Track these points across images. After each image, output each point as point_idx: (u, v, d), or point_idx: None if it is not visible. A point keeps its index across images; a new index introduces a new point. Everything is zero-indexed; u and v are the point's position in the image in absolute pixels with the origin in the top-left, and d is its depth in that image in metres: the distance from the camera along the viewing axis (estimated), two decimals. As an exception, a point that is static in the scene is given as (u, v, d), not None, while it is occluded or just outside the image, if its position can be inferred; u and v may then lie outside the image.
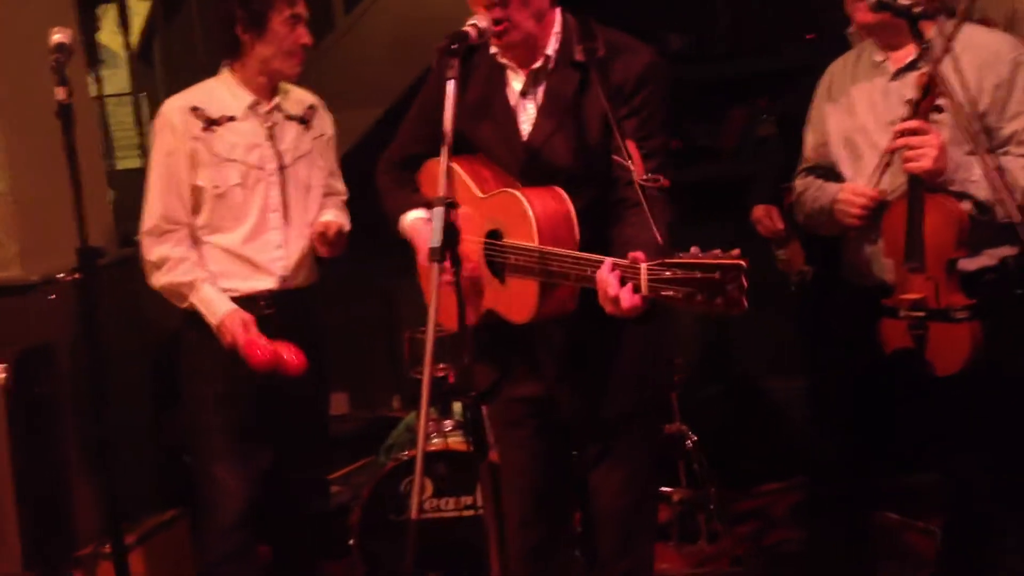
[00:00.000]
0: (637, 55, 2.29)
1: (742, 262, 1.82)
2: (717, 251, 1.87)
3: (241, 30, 2.91)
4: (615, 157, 2.21)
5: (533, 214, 2.19)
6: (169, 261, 2.92)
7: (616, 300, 1.98)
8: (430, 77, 2.47)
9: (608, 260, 2.02)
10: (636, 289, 1.96)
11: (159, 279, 2.94)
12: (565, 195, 2.23)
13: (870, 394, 2.73)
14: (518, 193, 2.23)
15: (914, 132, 2.43)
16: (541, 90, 2.32)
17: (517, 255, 2.22)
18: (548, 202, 2.22)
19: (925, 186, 2.46)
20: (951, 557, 2.88)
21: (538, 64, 2.31)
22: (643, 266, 1.94)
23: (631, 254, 1.98)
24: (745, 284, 1.82)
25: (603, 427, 2.45)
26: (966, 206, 2.47)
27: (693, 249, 1.89)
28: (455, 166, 2.40)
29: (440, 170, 2.03)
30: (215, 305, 2.90)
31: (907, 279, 2.50)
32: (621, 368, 2.41)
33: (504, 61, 2.34)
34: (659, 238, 1.98)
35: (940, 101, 2.40)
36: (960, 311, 2.45)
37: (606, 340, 2.34)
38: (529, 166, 2.31)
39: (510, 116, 2.34)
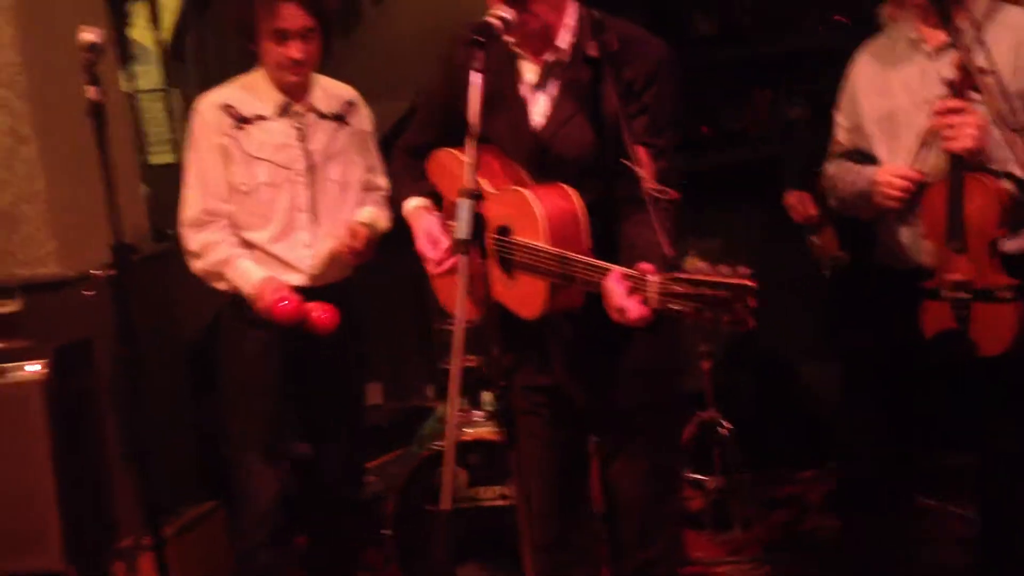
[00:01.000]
0: (649, 49, 2.28)
1: (751, 283, 1.82)
2: (725, 267, 1.86)
3: (244, 40, 2.93)
4: (622, 160, 2.19)
5: (541, 214, 2.18)
6: (209, 245, 2.96)
7: (623, 310, 1.98)
8: (441, 65, 2.46)
9: (617, 270, 2.02)
10: (644, 301, 1.96)
11: (198, 264, 2.99)
12: (573, 193, 2.23)
13: (908, 377, 2.71)
14: (526, 192, 2.22)
15: (953, 111, 2.41)
16: (555, 84, 2.31)
17: (525, 253, 2.22)
18: (556, 201, 2.21)
19: (965, 165, 2.43)
20: (991, 541, 2.85)
21: (552, 58, 2.30)
22: (652, 279, 1.94)
23: (640, 265, 1.98)
24: (753, 304, 1.82)
25: (618, 419, 2.44)
26: (1006, 184, 2.45)
27: (701, 264, 1.89)
28: (464, 157, 2.41)
29: (466, 162, 2.03)
30: (250, 274, 2.93)
31: (948, 260, 2.49)
32: (634, 360, 2.39)
33: (518, 51, 2.33)
34: (668, 249, 1.97)
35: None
36: (1004, 291, 2.43)
37: (616, 333, 2.33)
38: (539, 159, 2.31)
39: (522, 108, 2.33)
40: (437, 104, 2.49)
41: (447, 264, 2.35)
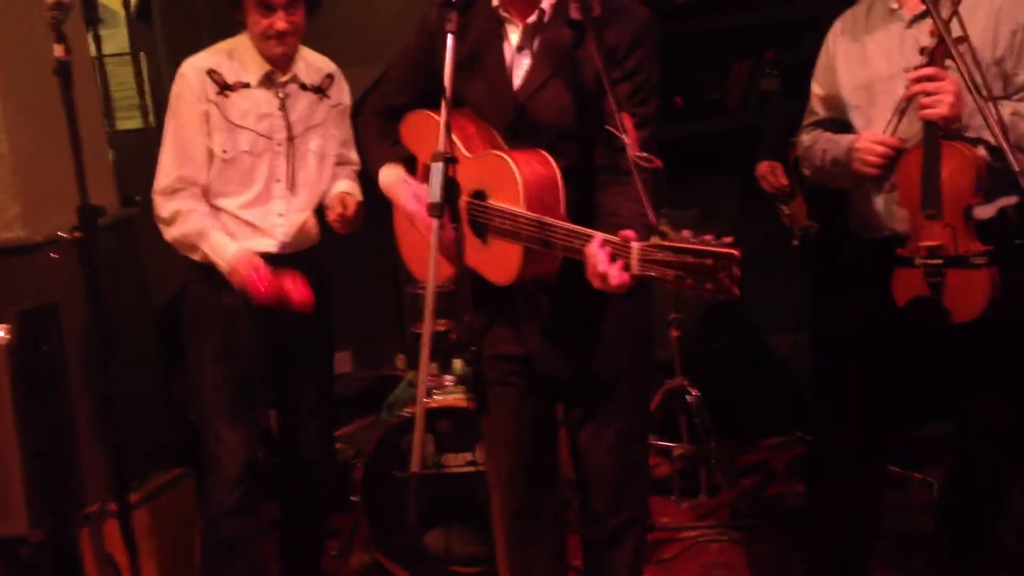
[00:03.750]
0: (633, 16, 2.28)
1: (736, 252, 1.82)
2: (710, 236, 1.86)
3: (228, 8, 2.91)
4: (607, 126, 2.19)
5: (520, 178, 2.17)
6: (180, 214, 2.93)
7: (605, 276, 1.98)
8: (420, 25, 2.44)
9: (598, 236, 2.01)
10: (626, 267, 1.96)
11: (171, 232, 2.96)
12: (551, 159, 2.22)
13: (880, 346, 2.73)
14: (506, 156, 2.21)
15: (930, 79, 2.42)
16: (536, 44, 2.30)
17: (502, 218, 2.21)
18: (535, 167, 2.20)
19: (941, 133, 2.44)
20: (951, 506, 2.89)
21: (534, 18, 2.29)
22: (635, 245, 1.94)
23: (622, 232, 1.97)
24: (738, 273, 1.82)
25: (589, 388, 2.45)
26: (981, 151, 2.47)
27: (685, 232, 1.89)
28: (439, 120, 2.39)
29: (440, 125, 2.02)
30: (224, 248, 2.91)
31: (923, 227, 2.50)
32: (605, 330, 2.40)
33: (504, 14, 2.31)
34: (651, 216, 1.97)
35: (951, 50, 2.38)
36: (978, 256, 2.45)
37: (589, 303, 2.34)
38: (517, 121, 2.29)
39: (503, 71, 2.32)
40: (414, 66, 2.47)
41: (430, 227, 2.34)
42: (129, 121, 5.26)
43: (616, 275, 1.97)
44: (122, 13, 5.13)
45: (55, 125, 2.66)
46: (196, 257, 2.96)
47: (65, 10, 2.59)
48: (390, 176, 2.48)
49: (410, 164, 2.52)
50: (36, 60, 2.97)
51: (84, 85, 3.26)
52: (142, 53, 5.12)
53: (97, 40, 4.57)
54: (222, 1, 2.92)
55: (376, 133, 2.57)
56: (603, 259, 1.98)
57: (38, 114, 3.23)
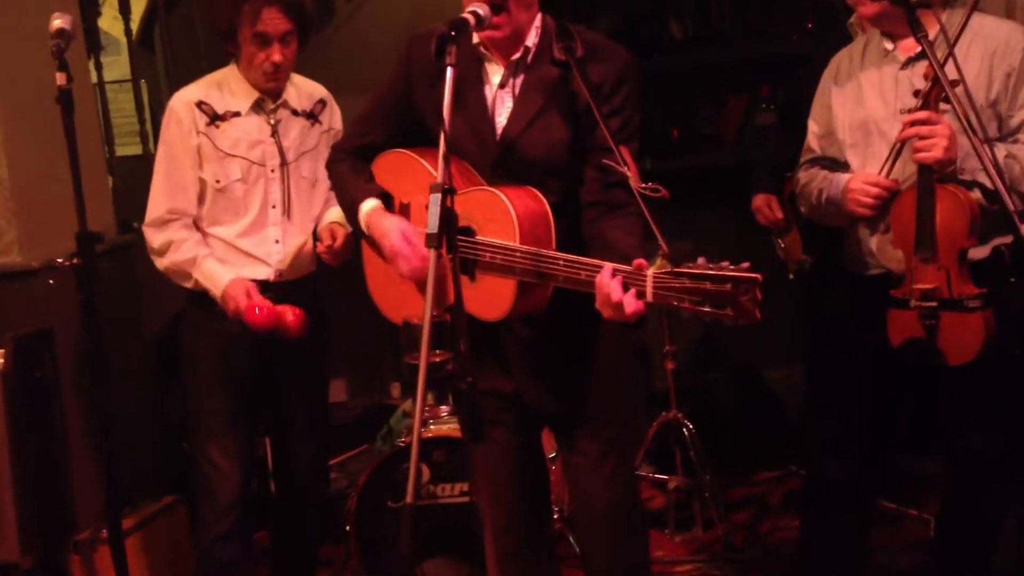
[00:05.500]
0: (615, 55, 2.30)
1: (758, 276, 1.83)
2: (726, 263, 1.88)
3: (221, 40, 2.92)
4: (605, 160, 2.20)
5: (515, 213, 2.17)
6: (172, 243, 2.94)
7: (619, 305, 1.98)
8: (396, 63, 2.44)
9: (608, 265, 2.02)
10: (640, 296, 1.96)
11: (163, 262, 2.97)
12: (541, 195, 2.23)
13: (873, 382, 2.73)
14: (497, 192, 2.21)
15: (924, 122, 2.43)
16: (519, 82, 2.31)
17: (495, 253, 2.20)
18: (527, 202, 2.21)
19: (935, 175, 2.46)
20: (946, 544, 2.89)
21: (517, 56, 2.30)
22: (649, 273, 1.94)
23: (636, 261, 1.98)
24: (760, 297, 1.83)
25: (580, 421, 2.44)
26: (975, 195, 2.47)
27: (700, 260, 1.90)
28: (419, 159, 2.39)
29: (439, 156, 2.02)
30: (218, 277, 2.91)
31: (917, 269, 2.51)
32: (594, 362, 2.40)
33: (486, 53, 2.32)
34: (664, 245, 1.98)
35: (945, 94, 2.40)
36: (973, 300, 2.45)
37: (575, 335, 2.34)
38: (502, 159, 2.29)
39: (485, 110, 2.32)
40: (390, 105, 2.46)
41: (420, 269, 2.30)
42: (129, 147, 5.27)
43: (631, 304, 1.97)
44: (124, 40, 5.15)
45: (55, 150, 2.68)
46: (189, 285, 2.96)
47: (67, 38, 2.61)
48: (372, 208, 2.43)
49: (386, 202, 2.47)
50: (38, 85, 2.99)
51: (84, 111, 3.29)
52: (143, 80, 5.14)
53: (98, 66, 4.59)
54: (217, 34, 2.95)
55: (349, 169, 2.52)
56: (616, 289, 1.98)
57: (38, 139, 3.24)
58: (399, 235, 2.34)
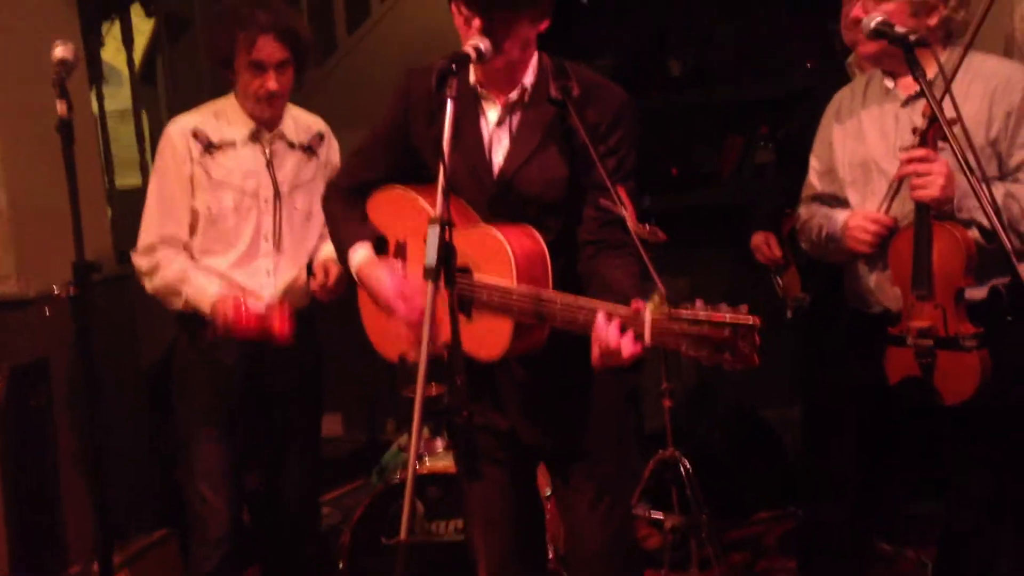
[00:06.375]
0: (611, 95, 2.30)
1: (756, 320, 1.83)
2: (723, 305, 1.87)
3: (219, 68, 2.94)
4: (602, 200, 2.20)
5: (512, 253, 2.16)
6: (161, 264, 2.94)
7: (616, 347, 1.97)
8: (393, 97, 2.43)
9: (605, 307, 2.01)
10: (639, 338, 1.96)
11: (153, 282, 2.96)
12: (538, 233, 2.23)
13: (873, 420, 2.72)
14: (494, 231, 2.21)
15: (921, 160, 2.44)
16: (516, 120, 2.31)
17: (491, 293, 2.20)
18: (524, 240, 2.20)
19: (933, 214, 2.46)
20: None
21: (514, 94, 2.30)
22: (647, 316, 1.94)
23: (634, 303, 1.98)
24: (759, 342, 1.83)
25: (576, 460, 2.42)
26: (973, 234, 2.47)
27: (698, 302, 1.89)
28: (416, 196, 2.39)
29: (439, 189, 2.01)
30: (207, 290, 2.91)
31: (914, 307, 2.50)
32: (589, 399, 2.39)
33: (483, 91, 2.32)
34: (660, 286, 1.97)
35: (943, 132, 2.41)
36: (969, 339, 2.44)
37: (570, 372, 2.32)
38: (499, 197, 2.29)
39: (481, 147, 2.31)
40: (387, 140, 2.45)
41: (415, 324, 2.26)
42: (129, 178, 5.29)
43: (628, 346, 1.96)
44: (126, 72, 5.19)
45: (55, 180, 2.68)
46: (179, 304, 2.95)
47: (68, 68, 2.62)
48: (364, 258, 2.41)
49: (380, 243, 2.46)
50: (39, 114, 2.99)
51: (85, 141, 3.30)
52: (144, 111, 5.17)
53: (100, 97, 4.61)
54: (215, 59, 2.95)
55: (342, 209, 2.50)
56: (614, 330, 1.98)
57: (38, 169, 3.25)
58: (393, 291, 2.32)
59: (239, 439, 3.02)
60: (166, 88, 5.50)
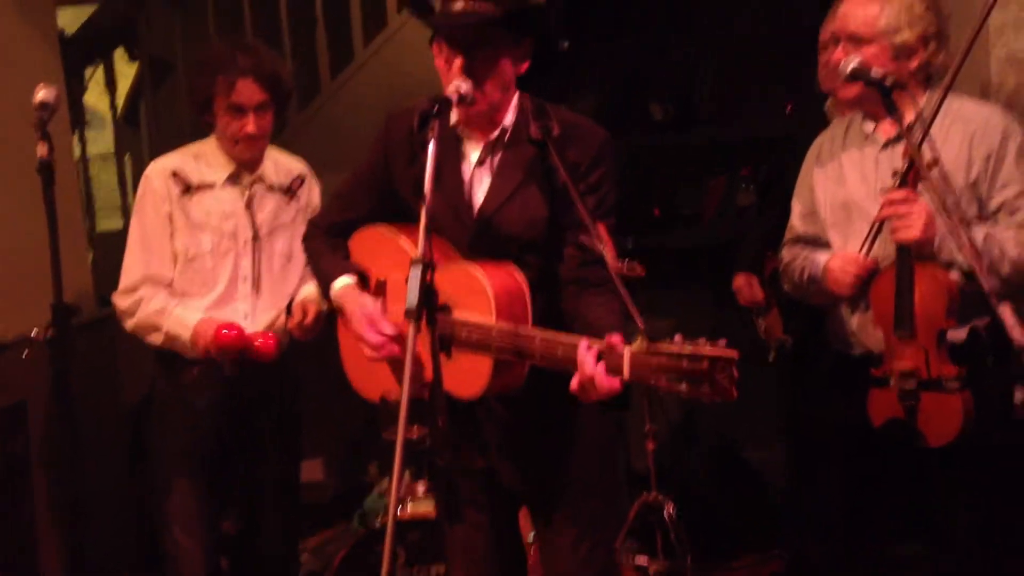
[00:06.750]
0: (591, 135, 2.32)
1: (734, 354, 1.83)
2: (703, 339, 1.88)
3: (199, 112, 2.95)
4: (583, 237, 2.21)
5: (491, 290, 2.17)
6: (142, 301, 2.94)
7: (593, 382, 1.98)
8: (375, 140, 2.45)
9: (584, 341, 2.02)
10: (617, 372, 1.96)
11: (132, 321, 2.96)
12: (518, 271, 2.23)
13: (856, 463, 2.71)
14: (474, 269, 2.21)
15: (902, 202, 2.45)
16: (497, 160, 2.32)
17: (470, 330, 2.20)
18: (504, 278, 2.21)
19: (914, 255, 2.47)
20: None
21: (495, 135, 2.32)
22: (626, 350, 1.94)
23: (608, 338, 1.98)
24: (737, 375, 1.83)
25: (557, 500, 2.40)
26: (954, 275, 2.48)
27: (677, 337, 1.90)
28: (396, 235, 2.39)
29: (420, 229, 2.02)
30: (186, 318, 2.90)
31: (897, 349, 2.50)
32: (572, 444, 2.38)
33: (464, 132, 2.34)
34: (640, 322, 1.98)
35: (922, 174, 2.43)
36: (952, 381, 2.45)
37: (550, 411, 2.32)
38: (479, 236, 2.30)
39: (462, 187, 2.32)
40: (367, 182, 2.47)
41: (385, 350, 2.32)
42: (110, 222, 5.28)
43: (606, 381, 1.96)
44: (109, 116, 5.20)
45: (36, 223, 2.66)
46: (158, 340, 2.93)
47: (50, 110, 2.62)
48: (345, 285, 2.42)
49: (362, 280, 2.46)
50: (20, 157, 2.98)
51: (67, 184, 3.29)
52: (127, 155, 5.17)
53: (83, 140, 4.61)
54: (195, 102, 2.96)
55: (325, 246, 2.52)
56: (591, 364, 1.98)
57: (19, 211, 3.24)
58: (364, 320, 2.34)
59: (216, 483, 2.98)
60: (149, 132, 5.50)
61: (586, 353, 1.99)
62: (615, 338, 1.97)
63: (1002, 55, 3.37)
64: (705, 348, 1.85)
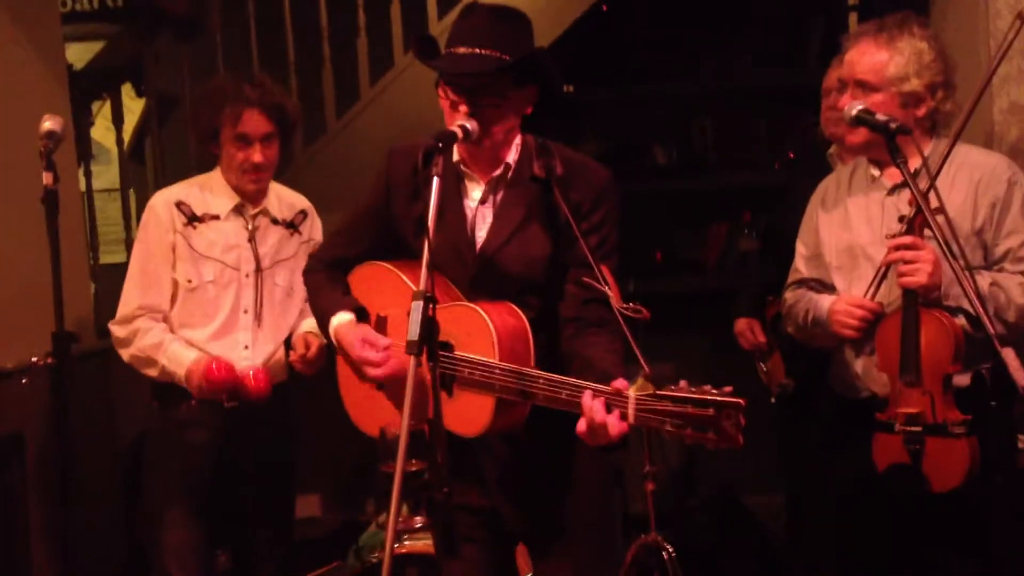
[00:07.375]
0: (594, 173, 2.33)
1: (741, 401, 1.83)
2: (708, 387, 1.88)
3: (204, 143, 2.97)
4: (586, 279, 2.21)
5: (494, 329, 2.17)
6: (138, 332, 2.93)
7: (603, 427, 1.97)
8: (376, 177, 2.45)
9: (590, 386, 2.02)
10: (623, 417, 1.96)
11: (128, 351, 2.95)
12: (519, 311, 2.23)
13: (859, 508, 2.69)
14: (476, 307, 2.21)
15: (908, 247, 2.46)
16: (499, 198, 2.32)
17: (473, 369, 2.19)
18: (506, 318, 2.21)
19: (920, 301, 2.47)
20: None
21: (497, 172, 2.32)
22: (631, 395, 1.94)
23: (613, 383, 1.98)
24: (744, 422, 1.83)
25: (553, 543, 2.39)
26: (960, 321, 2.48)
27: (682, 383, 1.90)
28: (397, 272, 2.40)
29: (423, 264, 2.02)
30: (182, 356, 2.89)
31: (902, 394, 2.49)
32: (570, 483, 2.37)
33: (466, 170, 2.34)
34: (645, 366, 1.98)
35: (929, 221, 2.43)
36: (957, 426, 2.44)
37: (553, 455, 2.31)
38: (481, 275, 2.29)
39: (464, 225, 2.32)
40: (368, 218, 2.47)
41: (390, 365, 2.30)
42: (114, 255, 5.28)
43: (614, 425, 1.96)
44: (115, 151, 5.22)
45: (39, 254, 2.67)
46: (154, 373, 2.93)
47: (56, 139, 2.64)
48: (344, 320, 2.41)
49: (361, 315, 2.45)
50: (26, 191, 3.00)
51: (71, 216, 3.31)
52: (132, 190, 5.18)
53: (88, 174, 4.63)
54: (201, 133, 2.98)
55: (325, 280, 2.51)
56: (600, 409, 1.98)
57: (23, 243, 3.24)
58: (360, 342, 2.33)
59: (211, 518, 2.96)
60: (154, 167, 5.52)
61: (592, 400, 1.99)
62: (620, 383, 1.97)
63: (1005, 105, 3.42)
64: (711, 394, 1.85)
